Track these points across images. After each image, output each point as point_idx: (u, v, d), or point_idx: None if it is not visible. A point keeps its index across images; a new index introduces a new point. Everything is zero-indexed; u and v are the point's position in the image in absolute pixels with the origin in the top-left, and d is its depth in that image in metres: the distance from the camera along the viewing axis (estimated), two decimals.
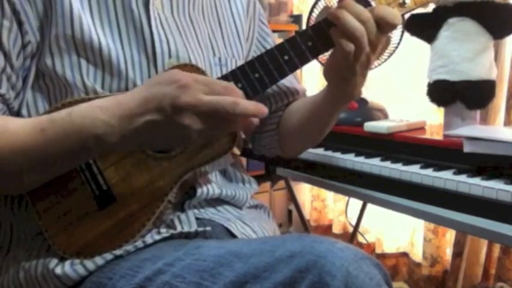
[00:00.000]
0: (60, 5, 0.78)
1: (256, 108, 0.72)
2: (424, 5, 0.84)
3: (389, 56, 1.32)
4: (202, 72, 0.83)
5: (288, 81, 1.03)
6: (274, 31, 1.12)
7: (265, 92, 1.00)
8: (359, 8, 0.77)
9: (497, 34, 1.16)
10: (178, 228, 0.83)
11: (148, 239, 0.80)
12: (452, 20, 1.15)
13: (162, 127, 0.70)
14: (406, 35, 1.28)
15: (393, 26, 0.79)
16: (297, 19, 2.72)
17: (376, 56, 0.82)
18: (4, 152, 0.72)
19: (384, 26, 0.78)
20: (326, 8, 1.28)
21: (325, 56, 1.35)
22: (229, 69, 0.84)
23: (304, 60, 0.82)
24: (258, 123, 0.75)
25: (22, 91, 0.80)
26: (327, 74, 0.87)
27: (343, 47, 0.77)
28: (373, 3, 0.82)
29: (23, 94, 0.80)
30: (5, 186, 0.79)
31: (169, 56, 0.83)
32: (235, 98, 0.70)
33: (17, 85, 0.80)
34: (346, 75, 0.83)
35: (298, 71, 0.91)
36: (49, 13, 0.78)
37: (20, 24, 0.78)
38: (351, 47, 0.76)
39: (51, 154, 0.72)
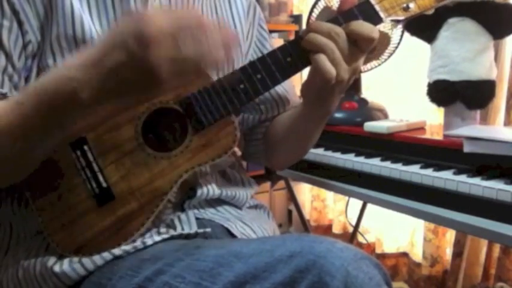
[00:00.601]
0: (61, 6, 0.78)
1: (226, 32, 0.66)
2: (428, 9, 0.84)
3: (389, 56, 1.32)
4: (204, 72, 0.83)
5: (283, 90, 1.03)
6: (274, 31, 1.12)
7: (257, 99, 1.00)
8: (327, 25, 0.77)
9: (497, 34, 1.16)
10: (178, 229, 0.83)
11: (148, 240, 0.80)
12: (452, 20, 1.15)
13: (129, 66, 0.63)
14: (406, 35, 1.28)
15: (370, 40, 0.78)
16: (297, 19, 2.72)
17: (357, 71, 0.82)
18: None
19: (360, 41, 0.78)
20: (326, 8, 1.28)
21: None
22: (226, 73, 0.84)
23: (306, 63, 0.82)
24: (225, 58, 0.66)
25: None
26: (304, 92, 0.87)
27: (318, 64, 0.76)
28: (376, 7, 0.81)
29: None
30: None
31: None
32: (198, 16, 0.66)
33: (19, 85, 0.79)
34: (323, 94, 0.84)
35: (298, 77, 0.91)
36: (49, 13, 0.79)
37: (20, 24, 0.78)
38: (325, 64, 0.76)
39: (31, 126, 0.69)
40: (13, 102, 0.70)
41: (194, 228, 0.83)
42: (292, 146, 1.00)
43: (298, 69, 0.82)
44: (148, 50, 0.61)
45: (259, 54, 1.00)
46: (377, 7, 0.81)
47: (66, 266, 0.77)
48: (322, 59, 0.77)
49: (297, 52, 0.81)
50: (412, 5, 0.83)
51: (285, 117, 1.02)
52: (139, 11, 0.68)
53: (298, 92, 0.95)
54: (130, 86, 0.66)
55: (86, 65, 0.65)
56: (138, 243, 0.79)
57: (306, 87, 0.86)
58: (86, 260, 0.77)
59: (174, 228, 0.83)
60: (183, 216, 0.85)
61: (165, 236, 0.81)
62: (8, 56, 0.77)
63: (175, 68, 0.64)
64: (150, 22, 0.62)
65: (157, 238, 0.80)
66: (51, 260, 0.78)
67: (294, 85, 1.09)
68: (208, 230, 0.83)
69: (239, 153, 1.06)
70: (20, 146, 0.70)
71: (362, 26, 0.77)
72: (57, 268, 0.77)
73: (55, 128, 0.71)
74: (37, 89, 0.68)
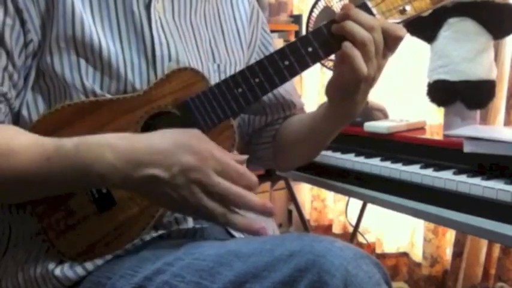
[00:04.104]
0: (62, 4, 0.78)
1: (263, 206, 0.71)
2: (424, 11, 0.84)
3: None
4: (202, 76, 0.83)
5: (287, 92, 1.03)
6: (274, 31, 1.12)
7: (261, 102, 1.00)
8: (366, 17, 0.78)
9: (497, 34, 1.16)
10: (175, 227, 0.83)
11: (146, 237, 0.80)
12: (452, 20, 1.15)
13: (162, 187, 0.70)
14: (406, 35, 1.28)
15: (398, 39, 0.79)
16: (297, 19, 2.72)
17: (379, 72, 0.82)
18: (6, 177, 0.72)
19: (387, 39, 0.79)
20: (326, 8, 1.28)
21: (326, 60, 1.36)
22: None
23: (304, 66, 0.82)
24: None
25: (23, 90, 0.80)
26: (330, 91, 0.86)
27: (351, 60, 0.77)
28: (373, 10, 0.82)
29: (23, 94, 0.80)
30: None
31: (169, 60, 0.83)
32: (244, 193, 0.70)
33: (18, 84, 0.79)
34: (350, 92, 0.82)
35: (298, 77, 0.91)
36: (51, 12, 0.78)
37: (22, 22, 0.77)
38: (359, 61, 0.76)
39: (52, 182, 0.73)
40: (40, 151, 0.72)
41: (190, 224, 0.83)
42: (307, 148, 1.00)
43: (296, 72, 0.82)
44: (186, 188, 0.69)
45: None
46: (374, 10, 0.81)
47: (67, 268, 0.77)
48: (357, 54, 0.76)
49: (321, 41, 0.80)
50: (408, 8, 0.83)
51: (301, 119, 1.01)
52: (202, 146, 0.71)
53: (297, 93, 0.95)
54: (160, 198, 0.72)
55: (128, 161, 0.70)
56: (137, 240, 0.79)
57: (331, 85, 0.85)
58: (86, 261, 0.77)
59: (171, 228, 0.83)
60: (181, 218, 0.85)
61: (163, 231, 0.81)
62: (9, 55, 0.77)
63: (202, 213, 0.72)
64: (203, 171, 0.69)
65: (154, 234, 0.80)
66: (52, 263, 0.78)
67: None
68: (205, 225, 0.83)
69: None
70: (35, 191, 0.75)
71: (389, 24, 0.78)
72: (57, 271, 0.77)
73: (72, 187, 0.75)
74: (70, 153, 0.71)
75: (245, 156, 0.75)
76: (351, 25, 0.77)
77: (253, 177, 0.72)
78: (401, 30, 0.79)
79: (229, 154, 0.73)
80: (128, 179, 0.70)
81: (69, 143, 0.72)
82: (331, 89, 0.86)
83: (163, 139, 0.72)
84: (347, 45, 0.77)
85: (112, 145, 0.71)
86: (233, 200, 0.70)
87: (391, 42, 0.80)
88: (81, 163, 0.70)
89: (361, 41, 0.77)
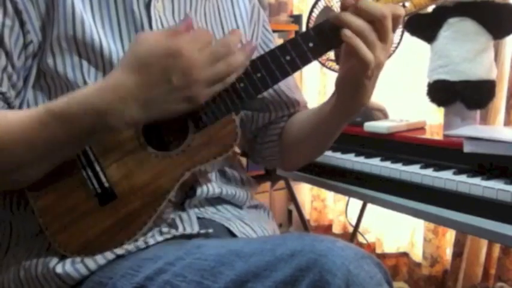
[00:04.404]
0: (63, 5, 0.78)
1: (247, 49, 0.78)
2: (423, 8, 0.84)
3: (389, 56, 1.32)
4: None
5: (289, 89, 1.03)
6: (274, 31, 1.12)
7: (265, 99, 1.00)
8: (367, 4, 0.77)
9: (497, 34, 1.16)
10: (180, 229, 0.83)
11: (150, 240, 0.80)
12: (452, 20, 1.16)
13: (172, 93, 0.72)
14: (406, 35, 1.28)
15: (398, 18, 0.78)
16: (297, 19, 2.72)
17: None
18: (4, 143, 0.72)
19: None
20: (326, 8, 1.28)
21: (325, 57, 1.36)
22: None
23: (306, 61, 0.82)
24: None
25: (23, 90, 0.80)
26: (340, 86, 0.86)
27: (355, 49, 0.77)
28: None
29: (23, 93, 0.81)
30: (3, 180, 0.78)
31: None
32: (230, 60, 0.75)
33: (17, 84, 0.80)
34: (361, 84, 0.82)
35: (298, 74, 0.92)
36: (51, 13, 0.78)
37: (22, 23, 0.78)
38: (362, 48, 0.77)
39: (53, 143, 0.72)
40: (35, 118, 0.72)
41: (196, 229, 0.83)
42: (313, 145, 0.99)
43: (297, 66, 0.82)
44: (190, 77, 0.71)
45: None
46: None
47: (68, 266, 0.77)
48: (359, 43, 0.76)
49: (322, 36, 0.80)
50: (407, 4, 0.83)
51: (307, 116, 1.01)
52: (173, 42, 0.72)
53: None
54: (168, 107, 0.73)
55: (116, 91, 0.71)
56: (140, 243, 0.79)
57: (342, 80, 0.85)
58: (88, 260, 0.77)
59: (176, 228, 0.83)
60: (184, 215, 0.85)
61: (168, 236, 0.81)
62: (9, 56, 0.77)
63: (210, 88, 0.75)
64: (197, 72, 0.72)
65: (159, 238, 0.80)
66: (53, 261, 0.78)
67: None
68: (210, 230, 0.83)
69: (238, 151, 1.06)
70: (39, 153, 0.73)
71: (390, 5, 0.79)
72: (59, 269, 0.77)
73: (80, 142, 0.75)
74: (64, 110, 0.71)
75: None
76: (346, 15, 0.77)
77: (230, 38, 0.76)
78: (400, 10, 0.78)
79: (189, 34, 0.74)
80: (141, 87, 0.71)
81: (58, 102, 0.72)
82: (342, 83, 0.85)
83: (127, 60, 0.73)
84: (346, 33, 0.77)
85: (91, 89, 0.72)
86: (231, 71, 0.75)
87: (393, 26, 0.79)
88: (76, 117, 0.71)
89: (358, 30, 0.76)
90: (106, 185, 0.79)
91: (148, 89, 0.71)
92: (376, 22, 0.77)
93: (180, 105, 0.73)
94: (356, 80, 0.81)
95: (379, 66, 0.79)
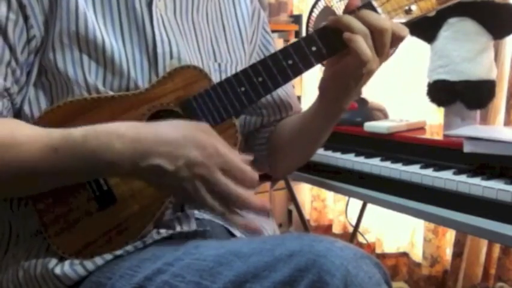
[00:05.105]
0: (66, 1, 0.78)
1: (262, 207, 0.73)
2: (430, 11, 0.84)
3: (389, 56, 1.32)
4: (205, 74, 0.83)
5: (284, 94, 1.03)
6: (274, 31, 1.12)
7: (259, 103, 1.00)
8: (373, 16, 0.78)
9: (497, 34, 1.16)
10: (178, 228, 0.83)
11: (148, 239, 0.80)
12: (452, 20, 1.15)
13: (167, 178, 0.70)
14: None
15: (400, 39, 0.81)
16: (297, 19, 2.72)
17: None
18: (12, 168, 0.72)
19: (392, 38, 0.80)
20: (326, 8, 1.28)
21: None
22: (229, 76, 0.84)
23: (308, 65, 0.81)
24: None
25: (25, 86, 0.80)
26: (325, 86, 0.87)
27: (355, 45, 0.77)
28: (379, 10, 0.82)
29: (26, 90, 0.80)
30: (5, 196, 0.80)
31: (171, 57, 0.84)
32: (244, 195, 0.71)
33: (20, 80, 0.79)
34: (349, 84, 0.83)
35: (298, 77, 0.92)
36: (54, 8, 0.78)
37: (25, 18, 0.77)
38: (362, 45, 0.77)
39: (60, 173, 0.73)
40: (46, 142, 0.72)
41: (193, 227, 0.83)
42: (300, 148, 1.00)
43: (300, 71, 0.82)
44: (189, 182, 0.70)
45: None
46: (379, 9, 0.82)
47: (67, 267, 0.77)
48: (359, 38, 0.77)
49: (325, 40, 0.80)
50: (414, 8, 0.83)
51: (293, 119, 1.02)
52: (208, 141, 0.71)
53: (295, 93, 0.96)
54: (165, 187, 0.74)
55: (136, 149, 0.70)
56: (138, 243, 0.79)
57: (327, 80, 0.86)
58: (87, 261, 0.77)
59: (174, 228, 0.83)
60: (182, 216, 0.85)
61: (165, 235, 0.81)
62: (12, 50, 0.77)
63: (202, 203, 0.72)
64: (207, 167, 0.70)
65: (157, 237, 0.80)
66: (52, 262, 0.78)
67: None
68: (208, 228, 0.83)
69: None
70: (42, 183, 0.75)
71: (394, 23, 0.80)
72: (58, 270, 0.77)
73: (80, 176, 0.75)
74: (78, 142, 0.71)
75: (250, 157, 0.75)
76: (347, 18, 0.78)
77: (255, 176, 0.72)
78: (405, 31, 0.80)
79: (235, 152, 0.74)
80: (135, 168, 0.70)
81: (76, 132, 0.72)
82: (327, 86, 0.86)
83: (171, 130, 0.72)
84: (346, 34, 0.78)
85: (120, 133, 0.71)
86: (234, 200, 0.71)
87: (393, 42, 0.80)
88: (90, 152, 0.70)
89: (357, 32, 0.77)
90: (105, 187, 0.78)
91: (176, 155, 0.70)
92: (374, 33, 0.77)
93: (173, 187, 0.73)
94: (342, 82, 0.83)
95: (369, 73, 0.80)
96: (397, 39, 0.80)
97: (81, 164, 0.71)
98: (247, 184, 0.71)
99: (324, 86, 0.87)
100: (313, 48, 0.80)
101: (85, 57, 0.79)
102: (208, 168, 0.69)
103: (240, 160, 0.72)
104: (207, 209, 0.73)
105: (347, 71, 0.81)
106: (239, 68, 0.93)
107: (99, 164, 0.70)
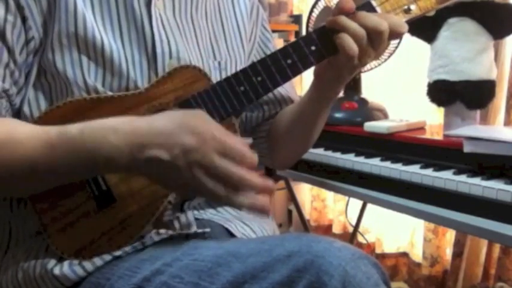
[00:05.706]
0: (64, 1, 0.78)
1: (264, 185, 0.70)
2: (430, 11, 0.84)
3: (389, 56, 1.32)
4: (204, 74, 0.83)
5: (284, 88, 1.03)
6: (274, 31, 1.12)
7: (260, 100, 1.00)
8: (371, 18, 0.78)
9: (497, 34, 1.16)
10: (177, 229, 0.82)
11: (147, 240, 0.79)
12: (452, 20, 1.15)
13: (165, 168, 0.69)
14: (406, 35, 1.28)
15: (399, 35, 0.81)
16: (297, 19, 2.72)
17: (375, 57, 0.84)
18: (10, 166, 0.72)
19: (390, 35, 0.80)
20: (326, 8, 1.28)
21: None
22: (229, 74, 0.83)
23: (307, 65, 0.81)
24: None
25: (24, 87, 0.80)
26: (320, 72, 0.87)
27: (341, 40, 0.78)
28: (378, 9, 0.82)
29: (25, 91, 0.80)
30: (4, 194, 0.80)
31: (170, 57, 0.83)
32: (245, 174, 0.69)
33: (19, 81, 0.79)
34: (342, 74, 0.84)
35: (297, 77, 0.92)
36: (53, 9, 0.78)
37: (24, 19, 0.77)
38: (355, 50, 0.78)
39: (58, 170, 0.72)
40: (44, 139, 0.71)
41: (193, 229, 0.83)
42: (298, 136, 0.99)
43: (299, 70, 0.82)
44: (187, 169, 0.68)
45: (262, 55, 1.00)
46: (378, 9, 0.81)
47: (66, 268, 0.77)
48: (346, 36, 0.78)
49: (324, 40, 0.80)
50: (413, 7, 0.83)
51: (290, 108, 1.02)
52: (204, 127, 0.69)
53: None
54: (163, 178, 0.71)
55: (133, 142, 0.69)
56: (137, 244, 0.79)
57: (323, 67, 0.86)
58: (86, 262, 0.77)
59: (173, 229, 0.83)
60: (182, 217, 0.84)
61: (164, 236, 0.80)
62: (11, 52, 0.77)
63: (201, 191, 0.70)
64: (203, 152, 0.67)
65: (156, 238, 0.80)
66: (51, 262, 0.78)
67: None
68: (207, 230, 0.83)
69: None
70: (40, 179, 0.74)
71: (393, 19, 0.80)
72: (57, 270, 0.76)
73: (78, 173, 0.74)
74: (75, 138, 0.70)
75: (248, 140, 0.74)
76: (343, 19, 0.78)
77: (254, 157, 0.71)
78: (403, 28, 0.80)
79: (231, 135, 0.73)
80: (133, 161, 0.69)
81: (73, 128, 0.71)
82: (322, 73, 0.87)
83: (166, 120, 0.71)
84: (340, 36, 0.79)
85: (115, 127, 0.70)
86: (235, 181, 0.69)
87: (391, 37, 0.80)
88: (86, 147, 0.70)
89: (353, 34, 0.78)
90: (104, 187, 0.78)
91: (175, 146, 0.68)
92: (370, 34, 0.78)
93: (172, 178, 0.71)
94: (336, 71, 0.84)
95: (363, 64, 0.82)
96: (396, 36, 0.81)
97: (78, 161, 0.71)
98: (247, 165, 0.69)
99: (319, 72, 0.87)
100: (313, 48, 0.80)
101: (84, 58, 0.79)
102: (205, 153, 0.68)
103: (237, 142, 0.71)
104: (210, 197, 0.71)
105: (339, 63, 0.81)
106: (239, 66, 0.93)
107: (96, 159, 0.70)
